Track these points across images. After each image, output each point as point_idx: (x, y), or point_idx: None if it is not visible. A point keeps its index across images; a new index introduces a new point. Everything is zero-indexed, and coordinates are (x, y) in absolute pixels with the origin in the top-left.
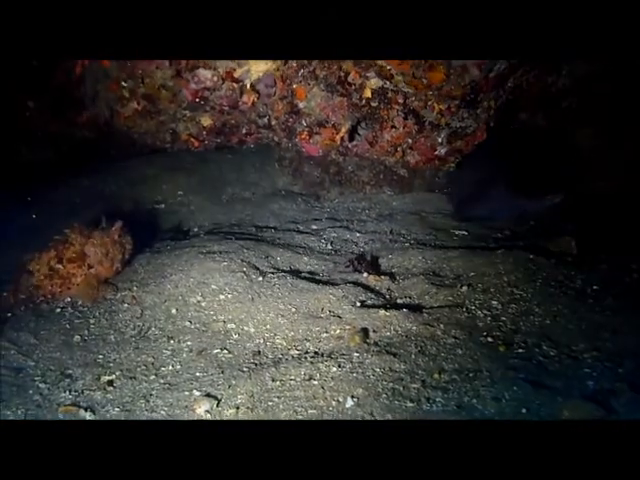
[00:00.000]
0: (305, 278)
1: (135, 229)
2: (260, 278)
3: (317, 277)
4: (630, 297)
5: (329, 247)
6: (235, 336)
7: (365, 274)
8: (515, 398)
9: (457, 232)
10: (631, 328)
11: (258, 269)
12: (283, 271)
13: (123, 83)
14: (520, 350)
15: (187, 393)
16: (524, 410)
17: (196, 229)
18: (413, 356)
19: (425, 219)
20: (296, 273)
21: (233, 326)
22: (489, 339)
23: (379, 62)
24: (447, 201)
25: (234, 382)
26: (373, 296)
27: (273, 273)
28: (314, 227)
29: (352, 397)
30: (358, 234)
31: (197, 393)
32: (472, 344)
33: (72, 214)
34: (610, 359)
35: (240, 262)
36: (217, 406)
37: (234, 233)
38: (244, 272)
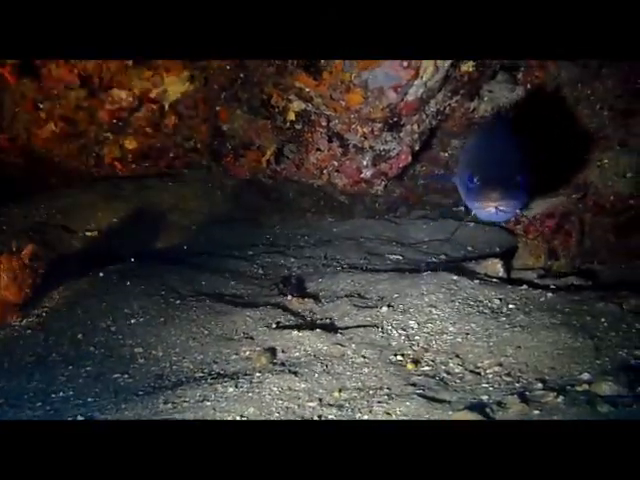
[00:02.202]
0: (226, 301)
1: (60, 256)
2: (178, 301)
3: (239, 300)
4: (540, 314)
5: (260, 272)
6: (141, 360)
7: (289, 297)
8: (406, 413)
9: (391, 257)
10: (534, 343)
11: (178, 292)
12: (205, 294)
13: (39, 104)
14: (426, 368)
15: (70, 419)
16: None
17: (128, 256)
18: (316, 375)
19: (362, 244)
20: (218, 297)
21: (140, 350)
22: (398, 358)
23: (297, 84)
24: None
25: (124, 406)
26: (292, 318)
27: (193, 296)
28: (249, 253)
29: (241, 417)
30: (293, 259)
31: (80, 419)
32: (380, 363)
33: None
34: (509, 374)
35: (159, 286)
36: None
37: (165, 259)
38: (161, 295)
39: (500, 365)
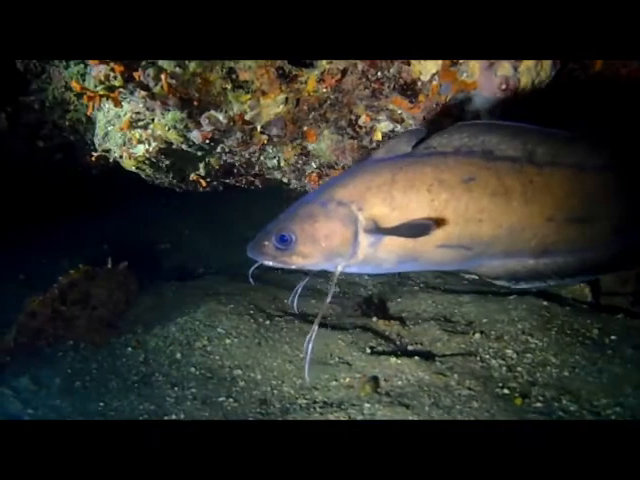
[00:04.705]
0: (312, 322)
1: (141, 269)
2: (267, 321)
3: (325, 321)
4: None
5: (337, 289)
6: (241, 383)
7: (374, 318)
8: None
9: (467, 276)
10: None
11: (265, 312)
12: (290, 314)
13: (133, 124)
14: (538, 404)
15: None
16: None
17: (201, 269)
18: (427, 408)
19: None
20: (304, 316)
21: (239, 372)
22: (505, 391)
23: (391, 106)
24: None
25: None
26: (383, 342)
27: (280, 316)
28: None
29: None
30: (366, 277)
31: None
32: (487, 396)
33: (80, 253)
34: (634, 416)
35: (247, 305)
36: None
37: (240, 274)
38: (251, 315)
39: (621, 406)
